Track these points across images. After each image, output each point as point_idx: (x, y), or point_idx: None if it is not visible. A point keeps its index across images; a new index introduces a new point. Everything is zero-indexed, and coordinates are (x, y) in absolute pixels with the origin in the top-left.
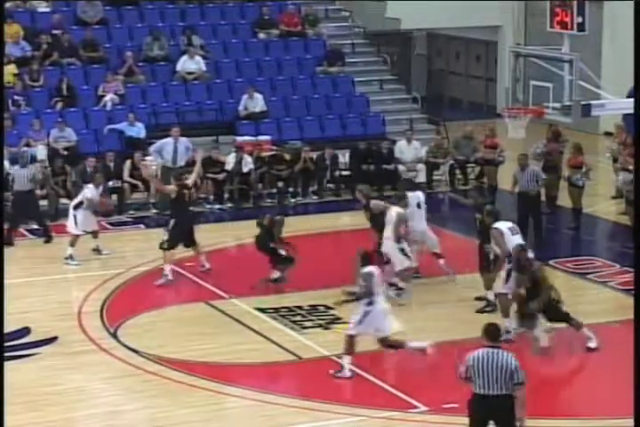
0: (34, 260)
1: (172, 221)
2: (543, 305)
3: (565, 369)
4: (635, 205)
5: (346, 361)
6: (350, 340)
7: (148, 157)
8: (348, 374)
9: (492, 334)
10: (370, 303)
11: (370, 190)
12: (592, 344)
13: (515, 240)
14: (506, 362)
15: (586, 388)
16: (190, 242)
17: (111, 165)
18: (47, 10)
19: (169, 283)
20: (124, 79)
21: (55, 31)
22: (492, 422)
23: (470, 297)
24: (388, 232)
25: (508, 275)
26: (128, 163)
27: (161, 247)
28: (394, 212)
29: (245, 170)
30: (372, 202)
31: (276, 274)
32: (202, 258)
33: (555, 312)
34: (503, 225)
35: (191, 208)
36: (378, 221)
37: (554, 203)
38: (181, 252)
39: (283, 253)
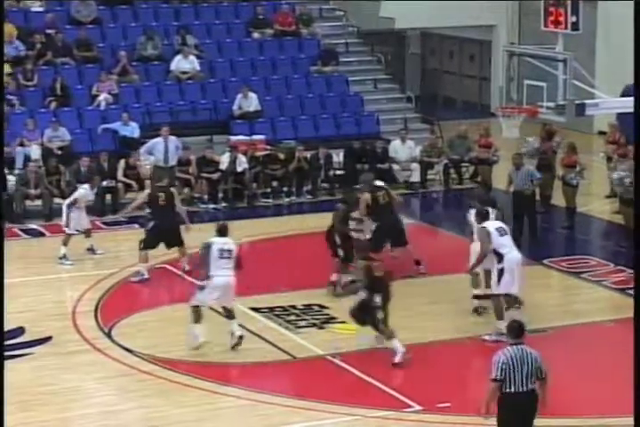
0: (28, 259)
1: (150, 223)
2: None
3: (561, 368)
4: (635, 205)
5: None
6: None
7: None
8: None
9: (516, 330)
10: None
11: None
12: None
13: (505, 241)
14: (534, 357)
15: (581, 387)
16: (173, 243)
17: (105, 164)
18: (41, 9)
19: (145, 281)
20: (118, 79)
21: (49, 30)
22: (527, 418)
23: (467, 296)
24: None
25: (499, 275)
26: (122, 162)
27: (139, 247)
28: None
29: (240, 169)
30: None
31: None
32: (183, 259)
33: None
34: (492, 225)
35: (171, 210)
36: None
37: (548, 202)
38: (177, 251)
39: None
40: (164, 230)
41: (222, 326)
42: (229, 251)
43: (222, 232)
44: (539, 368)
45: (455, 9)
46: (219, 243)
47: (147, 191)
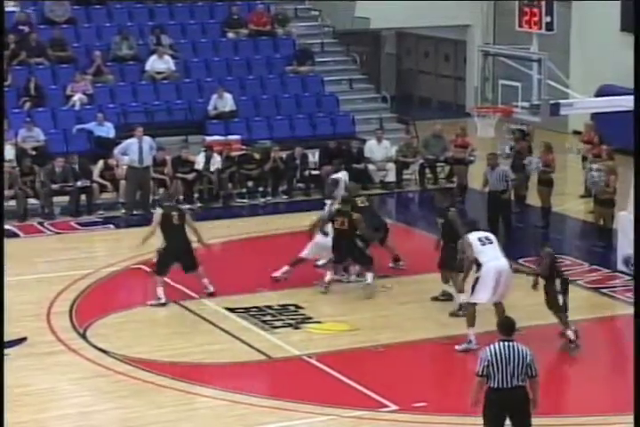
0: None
1: (162, 246)
2: None
3: (548, 367)
4: (635, 205)
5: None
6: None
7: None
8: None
9: (507, 327)
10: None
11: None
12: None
13: (486, 250)
14: (523, 355)
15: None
16: (189, 265)
17: (76, 166)
18: (15, 9)
19: (161, 306)
20: (93, 79)
21: (21, 27)
22: (509, 414)
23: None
24: None
25: (474, 284)
26: (100, 163)
27: (152, 271)
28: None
29: (212, 169)
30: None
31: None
32: (205, 281)
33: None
34: (474, 235)
35: (183, 229)
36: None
37: (523, 202)
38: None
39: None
40: (179, 250)
41: (196, 328)
42: None
43: None
44: (529, 366)
45: (430, 9)
46: None
47: (159, 211)
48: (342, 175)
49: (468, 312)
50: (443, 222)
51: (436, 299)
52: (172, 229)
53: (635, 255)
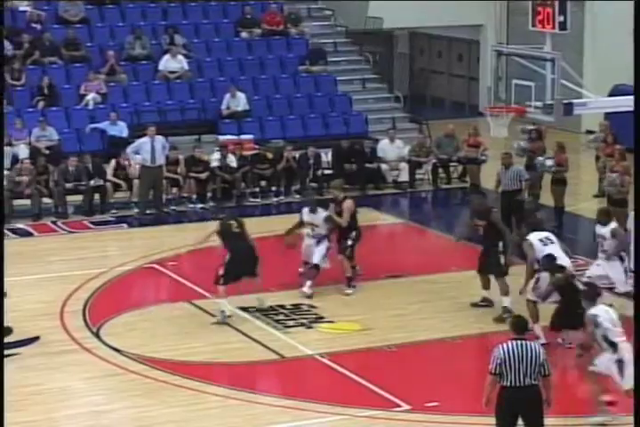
0: (16, 259)
1: (227, 256)
2: None
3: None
4: (635, 205)
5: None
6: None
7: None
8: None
9: (520, 326)
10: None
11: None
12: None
13: (548, 250)
14: (536, 354)
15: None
16: (250, 272)
17: (89, 166)
18: (28, 9)
19: (225, 320)
20: (106, 78)
21: (34, 25)
22: (521, 413)
23: (455, 295)
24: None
25: (537, 282)
26: (113, 162)
27: (216, 282)
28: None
29: (233, 165)
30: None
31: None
32: (259, 297)
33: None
34: (535, 236)
35: (245, 237)
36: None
37: (536, 201)
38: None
39: None
40: (244, 259)
41: (209, 327)
42: None
43: None
44: (542, 365)
45: (443, 8)
46: None
47: (214, 229)
48: None
49: (530, 310)
50: (485, 225)
51: (475, 305)
52: (233, 238)
53: (635, 255)
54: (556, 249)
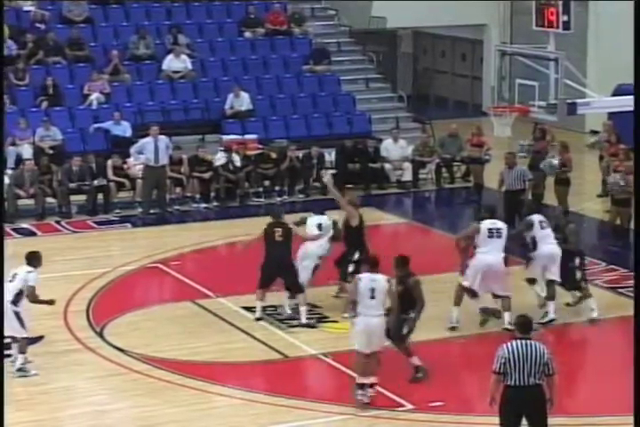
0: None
1: (264, 261)
2: None
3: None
4: (635, 205)
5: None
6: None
7: (129, 159)
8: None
9: (524, 325)
10: None
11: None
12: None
13: (490, 243)
14: (540, 353)
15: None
16: (290, 284)
17: (93, 165)
18: (32, 8)
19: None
20: (110, 78)
21: (38, 24)
22: (525, 413)
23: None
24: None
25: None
26: (110, 162)
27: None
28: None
29: (238, 164)
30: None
31: None
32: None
33: None
34: (486, 224)
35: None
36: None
37: (540, 201)
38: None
39: None
40: (279, 266)
41: (213, 327)
42: None
43: None
44: (546, 364)
45: (447, 8)
46: None
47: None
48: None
49: (455, 291)
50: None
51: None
52: (272, 245)
53: (635, 255)
54: (498, 243)
